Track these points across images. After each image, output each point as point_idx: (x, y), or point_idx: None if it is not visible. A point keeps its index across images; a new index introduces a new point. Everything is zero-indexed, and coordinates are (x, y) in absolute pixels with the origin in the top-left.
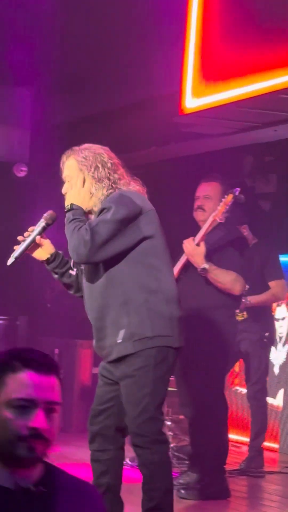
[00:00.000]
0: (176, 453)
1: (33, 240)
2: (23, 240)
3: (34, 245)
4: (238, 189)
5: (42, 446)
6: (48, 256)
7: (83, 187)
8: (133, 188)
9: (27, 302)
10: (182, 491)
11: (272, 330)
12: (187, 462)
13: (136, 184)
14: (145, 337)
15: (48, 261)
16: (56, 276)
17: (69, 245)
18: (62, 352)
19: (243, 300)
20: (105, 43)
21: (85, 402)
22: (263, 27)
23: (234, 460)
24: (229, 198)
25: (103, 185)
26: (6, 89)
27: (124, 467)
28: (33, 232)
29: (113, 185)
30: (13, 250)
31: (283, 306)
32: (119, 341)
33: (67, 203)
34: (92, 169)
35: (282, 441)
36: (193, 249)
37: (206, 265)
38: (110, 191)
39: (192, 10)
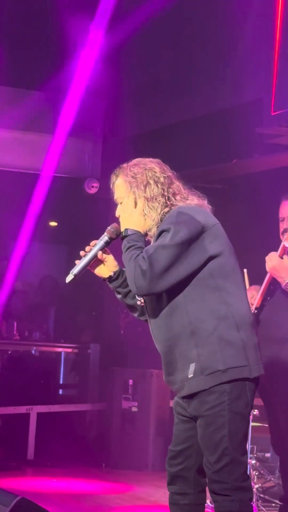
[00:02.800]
0: (261, 495)
1: (95, 256)
2: (84, 255)
3: (96, 261)
4: None
5: None
6: (111, 274)
7: (135, 208)
8: (192, 202)
9: (99, 328)
10: None
11: None
12: (273, 504)
13: (195, 196)
14: (217, 371)
15: (110, 279)
16: (119, 296)
17: (127, 277)
18: (136, 383)
19: None
20: (180, 52)
21: (162, 438)
22: None
23: None
24: None
25: (157, 203)
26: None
27: (205, 510)
28: (95, 246)
29: (168, 202)
30: (74, 265)
31: None
32: (190, 376)
33: (121, 229)
34: (143, 187)
35: None
36: (279, 263)
37: None
38: (166, 209)
39: (279, 16)
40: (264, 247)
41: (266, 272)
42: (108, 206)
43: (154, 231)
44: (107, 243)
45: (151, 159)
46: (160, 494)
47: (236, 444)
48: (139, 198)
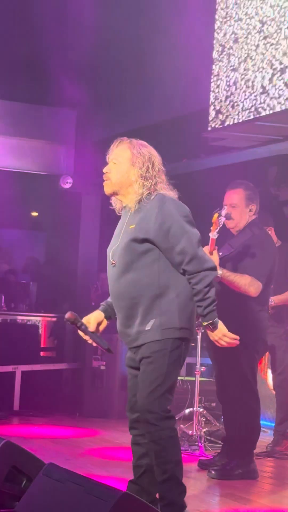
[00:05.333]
0: (208, 437)
1: (95, 335)
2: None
3: (97, 329)
4: (225, 206)
5: None
6: (107, 321)
7: (126, 171)
8: (171, 193)
9: (74, 301)
10: (213, 472)
11: None
12: (217, 445)
13: (171, 190)
14: (172, 328)
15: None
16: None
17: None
18: None
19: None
20: (138, 68)
21: (125, 390)
22: None
23: (261, 444)
24: (214, 217)
25: (146, 183)
26: (53, 110)
27: None
28: (87, 337)
29: (154, 187)
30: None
31: None
32: (147, 328)
33: (105, 178)
34: (143, 166)
35: None
36: None
37: (219, 272)
38: (149, 191)
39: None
40: (207, 231)
41: None
42: (80, 198)
43: (131, 202)
44: (84, 329)
45: (153, 149)
46: (124, 438)
47: (169, 384)
48: (135, 171)
